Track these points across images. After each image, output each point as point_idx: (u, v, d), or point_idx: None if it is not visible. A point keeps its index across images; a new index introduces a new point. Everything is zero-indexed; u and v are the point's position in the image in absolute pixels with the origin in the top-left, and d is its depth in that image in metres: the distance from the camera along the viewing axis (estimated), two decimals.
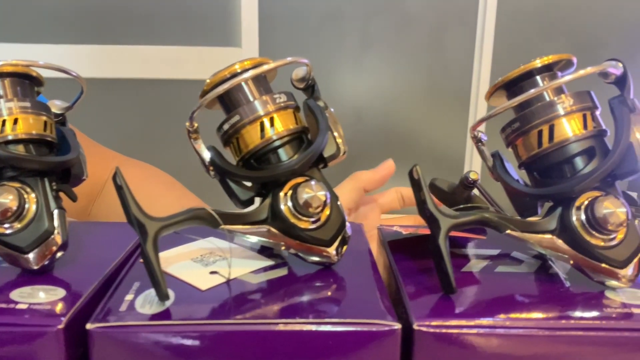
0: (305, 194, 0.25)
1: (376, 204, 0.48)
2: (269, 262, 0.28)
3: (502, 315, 0.23)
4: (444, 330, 0.22)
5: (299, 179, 0.26)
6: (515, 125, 0.27)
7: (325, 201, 0.26)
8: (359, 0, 1.51)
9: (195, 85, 0.30)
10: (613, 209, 0.24)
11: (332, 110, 0.29)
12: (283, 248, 0.27)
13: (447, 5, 1.53)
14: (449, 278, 0.24)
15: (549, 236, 0.25)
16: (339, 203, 0.27)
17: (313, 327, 0.22)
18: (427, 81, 1.57)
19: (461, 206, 0.32)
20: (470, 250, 0.30)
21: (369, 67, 1.54)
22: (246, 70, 0.26)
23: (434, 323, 0.22)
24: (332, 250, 0.26)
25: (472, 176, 0.33)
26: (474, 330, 0.22)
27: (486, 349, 0.22)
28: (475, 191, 0.34)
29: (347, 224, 0.28)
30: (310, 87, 0.29)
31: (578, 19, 1.52)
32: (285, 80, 0.29)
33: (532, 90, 0.26)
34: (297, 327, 0.22)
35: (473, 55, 1.54)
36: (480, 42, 1.53)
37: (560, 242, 0.25)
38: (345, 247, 0.27)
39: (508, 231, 0.25)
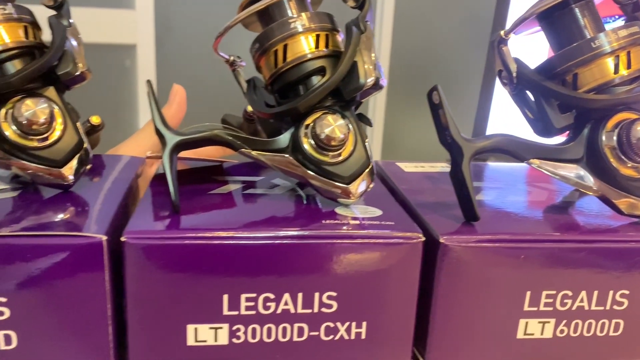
0: None
1: None
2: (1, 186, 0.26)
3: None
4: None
5: None
6: (256, 45, 0.27)
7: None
8: None
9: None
10: (333, 124, 0.25)
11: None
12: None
13: None
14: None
15: (283, 156, 0.26)
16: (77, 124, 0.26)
17: None
18: None
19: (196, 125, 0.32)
20: (232, 177, 0.30)
21: None
22: None
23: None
24: (65, 171, 0.25)
25: (249, 109, 0.33)
26: None
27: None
28: None
29: None
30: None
31: None
32: None
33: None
34: None
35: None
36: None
37: (291, 159, 0.26)
38: (86, 168, 0.27)
39: (242, 149, 0.26)
